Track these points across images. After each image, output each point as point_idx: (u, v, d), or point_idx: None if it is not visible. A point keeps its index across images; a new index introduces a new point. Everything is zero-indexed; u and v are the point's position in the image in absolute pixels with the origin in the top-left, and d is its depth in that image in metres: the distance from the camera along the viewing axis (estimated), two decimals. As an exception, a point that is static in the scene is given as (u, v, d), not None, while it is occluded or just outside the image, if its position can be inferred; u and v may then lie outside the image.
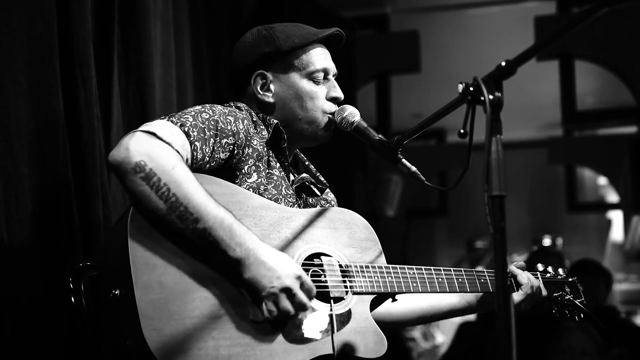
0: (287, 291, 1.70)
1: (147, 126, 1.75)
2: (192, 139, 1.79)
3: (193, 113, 1.85)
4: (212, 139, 1.84)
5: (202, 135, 1.82)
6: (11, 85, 2.11)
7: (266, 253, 1.71)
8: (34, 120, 2.18)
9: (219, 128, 1.86)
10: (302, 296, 1.72)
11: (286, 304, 1.70)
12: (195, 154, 1.79)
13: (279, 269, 1.70)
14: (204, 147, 1.81)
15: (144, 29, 2.81)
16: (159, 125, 1.76)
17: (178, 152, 1.73)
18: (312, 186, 2.17)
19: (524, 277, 2.18)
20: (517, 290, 2.17)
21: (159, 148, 1.69)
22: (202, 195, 1.69)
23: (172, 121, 1.80)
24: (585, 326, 3.77)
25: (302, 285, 1.73)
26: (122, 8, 2.73)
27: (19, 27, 2.14)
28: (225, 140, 1.87)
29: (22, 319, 2.08)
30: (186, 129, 1.79)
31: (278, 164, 2.03)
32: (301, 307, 1.73)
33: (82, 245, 2.31)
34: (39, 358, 2.11)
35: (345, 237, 1.97)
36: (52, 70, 2.24)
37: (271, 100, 2.09)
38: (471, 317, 6.74)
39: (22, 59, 2.16)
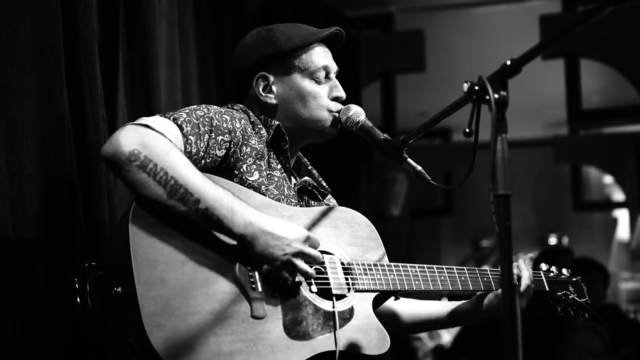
0: (300, 254, 1.76)
1: (139, 120, 1.77)
2: (185, 132, 1.79)
3: (187, 110, 1.87)
4: (206, 135, 1.84)
5: (197, 130, 1.82)
6: (17, 86, 2.11)
7: (269, 223, 1.75)
8: (39, 120, 2.18)
9: (214, 125, 1.87)
10: (314, 253, 1.79)
11: (303, 265, 1.77)
12: (188, 147, 1.80)
13: (287, 235, 1.75)
14: (198, 141, 1.82)
15: (149, 30, 2.82)
16: (152, 119, 1.78)
17: (171, 141, 1.73)
18: (314, 190, 2.16)
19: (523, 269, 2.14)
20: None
21: (151, 136, 1.70)
22: (199, 177, 1.70)
23: (165, 116, 1.81)
24: (593, 326, 3.75)
25: (311, 244, 1.80)
26: (128, 8, 2.73)
27: (24, 28, 2.15)
28: (220, 137, 1.87)
29: (27, 318, 2.08)
30: (179, 122, 1.80)
31: (279, 165, 2.03)
32: (317, 262, 1.80)
33: (88, 245, 2.31)
34: (43, 358, 2.12)
35: (347, 235, 1.98)
36: (58, 71, 2.24)
37: (274, 101, 2.08)
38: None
39: (28, 60, 2.16)
